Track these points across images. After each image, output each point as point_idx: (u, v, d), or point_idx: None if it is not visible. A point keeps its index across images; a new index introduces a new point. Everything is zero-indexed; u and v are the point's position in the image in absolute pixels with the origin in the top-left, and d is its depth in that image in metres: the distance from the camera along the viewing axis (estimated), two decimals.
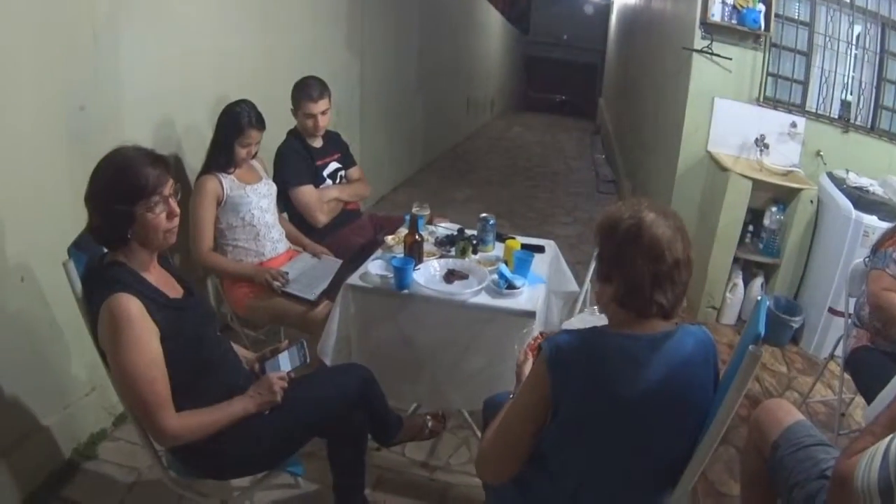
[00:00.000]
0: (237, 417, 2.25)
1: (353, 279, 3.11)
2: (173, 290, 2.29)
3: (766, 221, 4.96)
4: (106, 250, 2.19)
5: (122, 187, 2.05)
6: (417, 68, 8.59)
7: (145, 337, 2.04)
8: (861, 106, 5.18)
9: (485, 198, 8.36)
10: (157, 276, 2.24)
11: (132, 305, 2.02)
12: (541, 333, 2.47)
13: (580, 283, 3.75)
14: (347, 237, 4.07)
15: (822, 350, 4.62)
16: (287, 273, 3.42)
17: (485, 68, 13.66)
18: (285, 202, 3.91)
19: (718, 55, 5.05)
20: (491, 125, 14.20)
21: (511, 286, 3.03)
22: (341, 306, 3.07)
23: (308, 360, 2.59)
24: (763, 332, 1.83)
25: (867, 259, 3.36)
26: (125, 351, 2.01)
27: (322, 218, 3.97)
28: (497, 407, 2.36)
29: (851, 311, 3.51)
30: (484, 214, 3.54)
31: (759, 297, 2.18)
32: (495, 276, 3.11)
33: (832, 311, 4.50)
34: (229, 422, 2.23)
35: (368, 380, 2.69)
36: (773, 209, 4.89)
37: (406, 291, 3.01)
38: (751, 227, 5.10)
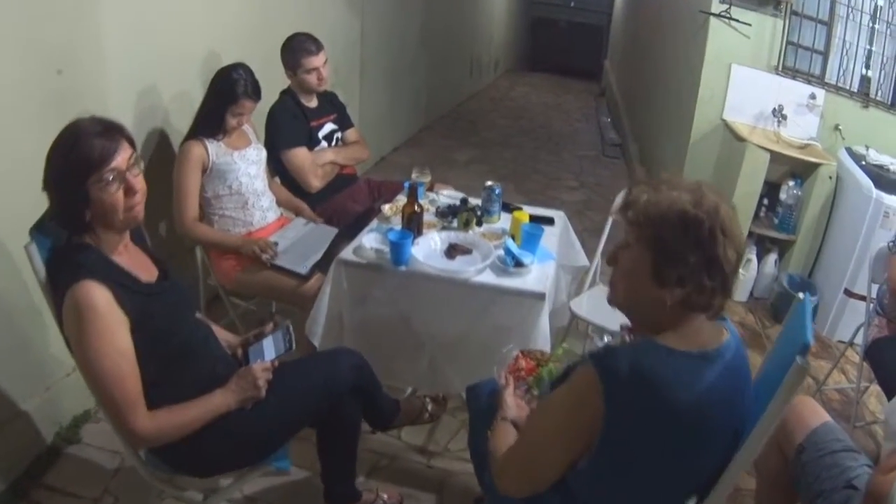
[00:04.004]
0: (217, 414, 2.07)
1: (346, 254, 2.91)
2: (147, 272, 2.09)
3: (783, 196, 4.81)
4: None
5: (70, 163, 1.82)
6: (420, 26, 8.33)
7: (112, 329, 1.84)
8: (882, 81, 5.00)
9: (488, 160, 8.15)
10: (128, 258, 2.03)
11: (98, 294, 1.81)
12: (521, 352, 2.26)
13: (589, 256, 3.58)
14: (343, 204, 3.88)
15: (836, 332, 4.48)
16: (276, 244, 3.23)
17: (489, 27, 13.39)
18: (278, 165, 3.70)
19: (737, 20, 4.87)
20: (495, 85, 13.92)
21: (519, 263, 2.83)
22: (332, 283, 2.87)
23: (293, 347, 2.39)
24: (810, 342, 1.66)
25: (891, 243, 3.24)
26: (90, 345, 1.81)
27: (316, 182, 3.77)
28: (482, 396, 2.29)
29: (874, 296, 3.38)
30: (489, 182, 3.34)
31: (800, 297, 1.98)
32: (501, 252, 2.91)
33: (848, 292, 4.32)
34: (208, 419, 2.05)
35: (360, 366, 2.50)
36: (791, 183, 4.74)
37: (403, 268, 2.81)
38: (766, 201, 4.94)
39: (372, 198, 3.99)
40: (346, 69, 5.91)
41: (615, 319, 3.22)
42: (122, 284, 1.89)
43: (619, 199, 3.57)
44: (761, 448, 1.66)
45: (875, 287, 3.39)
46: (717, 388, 1.55)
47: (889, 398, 2.94)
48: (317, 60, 3.66)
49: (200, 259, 3.45)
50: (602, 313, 3.24)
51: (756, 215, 4.91)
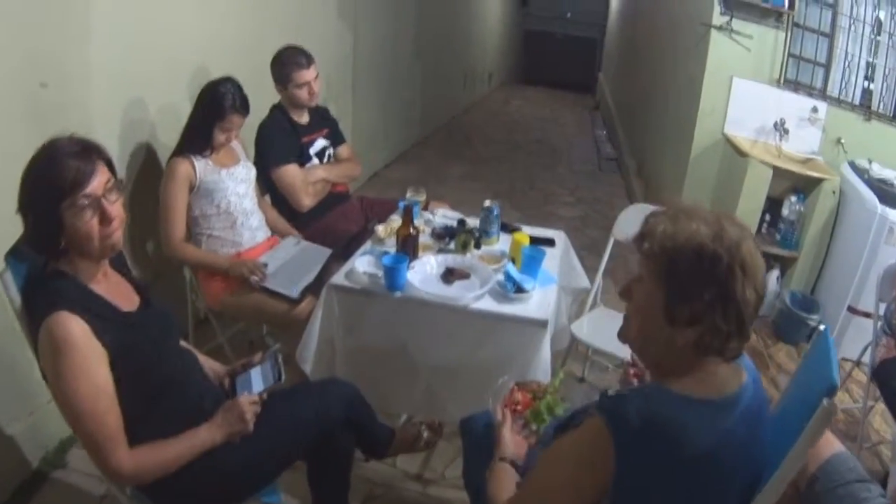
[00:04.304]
0: (202, 450, 1.97)
1: (338, 278, 2.80)
2: (127, 300, 1.99)
3: (785, 212, 4.72)
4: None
5: (43, 185, 1.71)
6: (414, 39, 8.26)
7: (90, 363, 1.73)
8: (885, 93, 4.93)
9: (483, 175, 8.07)
10: (107, 286, 1.93)
11: (74, 327, 1.71)
12: (516, 385, 2.15)
13: (589, 275, 3.50)
14: (334, 223, 3.77)
15: (840, 350, 4.28)
16: (266, 265, 3.13)
17: (483, 40, 13.36)
18: (268, 184, 3.60)
19: (739, 32, 4.80)
20: (489, 98, 13.88)
21: (520, 289, 2.72)
22: (323, 308, 2.76)
23: (283, 379, 2.27)
24: (837, 383, 1.57)
25: None
26: (67, 381, 1.71)
27: (307, 201, 3.66)
28: (477, 429, 2.21)
29: (881, 314, 3.31)
30: (487, 202, 3.23)
31: (821, 328, 1.92)
32: (501, 277, 2.81)
33: (852, 309, 4.26)
34: (193, 456, 1.94)
35: (352, 398, 2.42)
36: (793, 199, 4.66)
37: (398, 294, 2.70)
38: (767, 217, 4.86)
39: (365, 217, 3.88)
40: (338, 83, 5.84)
41: (617, 343, 3.18)
42: (99, 315, 1.79)
43: (621, 215, 3.53)
44: (781, 493, 1.57)
45: (882, 306, 3.31)
46: (735, 435, 1.46)
47: None
48: (308, 74, 3.57)
49: (188, 280, 3.35)
50: (604, 336, 3.17)
51: (758, 231, 4.83)
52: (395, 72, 7.70)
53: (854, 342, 3.69)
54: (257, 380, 2.25)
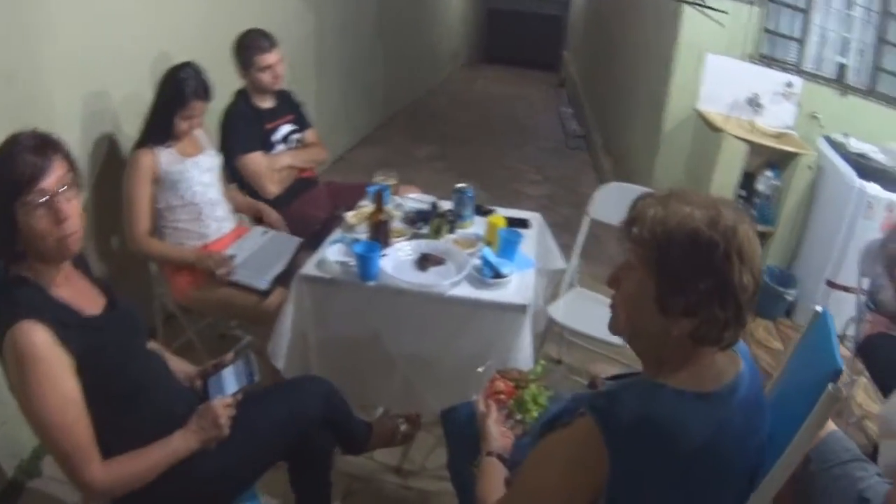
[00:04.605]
0: (178, 458, 1.89)
1: (308, 268, 2.70)
2: (92, 303, 1.89)
3: (761, 186, 4.68)
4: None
5: None
6: (376, 18, 8.13)
7: (55, 373, 1.65)
8: (861, 68, 4.94)
9: (450, 155, 7.97)
10: (70, 290, 1.83)
11: (38, 336, 1.63)
12: (497, 373, 2.08)
13: (562, 254, 3.46)
14: (302, 210, 3.68)
15: None
16: (233, 257, 3.03)
17: (447, 19, 13.22)
18: (233, 172, 3.49)
19: (712, 8, 4.73)
20: (453, 78, 13.71)
21: (498, 274, 2.65)
22: (295, 301, 2.66)
23: (257, 378, 2.17)
24: (842, 367, 1.54)
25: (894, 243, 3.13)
26: (33, 393, 1.64)
27: (273, 188, 3.56)
28: (459, 420, 2.15)
29: (865, 289, 3.30)
30: (460, 184, 3.15)
31: (820, 310, 1.92)
32: (478, 262, 2.73)
33: (831, 284, 4.21)
34: (168, 465, 1.87)
35: (328, 396, 2.35)
36: (769, 174, 4.63)
37: (372, 283, 2.61)
38: (743, 192, 4.79)
39: (333, 202, 3.79)
40: (300, 65, 5.72)
41: (594, 324, 3.11)
42: (63, 322, 1.70)
43: (597, 194, 3.46)
44: (785, 480, 1.55)
45: (865, 281, 3.30)
46: (732, 426, 1.42)
47: (884, 394, 2.88)
48: (271, 58, 3.47)
49: (155, 275, 3.26)
50: (581, 318, 3.16)
51: None
52: (358, 53, 7.60)
53: (834, 316, 3.64)
54: (230, 380, 2.16)
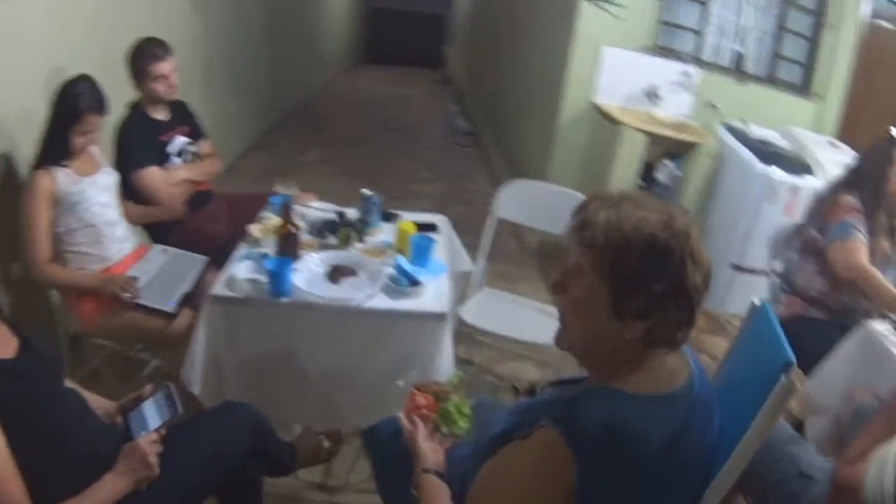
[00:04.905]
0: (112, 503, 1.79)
1: (219, 288, 2.57)
2: (4, 345, 1.77)
3: (660, 176, 4.79)
4: None
5: None
6: (264, 22, 8.01)
7: None
8: (760, 56, 5.14)
9: (340, 158, 7.89)
10: None
11: None
12: (415, 388, 1.99)
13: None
14: (201, 224, 3.54)
15: (726, 306, 4.48)
16: (137, 279, 2.89)
17: (332, 21, 13.18)
18: (129, 189, 3.31)
19: (609, 2, 4.79)
20: (338, 79, 13.63)
21: (414, 282, 2.60)
22: (206, 323, 2.53)
23: (181, 411, 2.07)
24: (793, 359, 1.58)
25: (812, 228, 3.26)
26: None
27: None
28: (382, 438, 2.12)
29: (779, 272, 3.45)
30: (366, 191, 3.12)
31: (756, 302, 2.01)
32: (391, 271, 2.67)
33: (737, 267, 4.39)
34: None
35: (255, 424, 2.27)
36: (669, 163, 4.72)
37: (285, 299, 2.51)
38: (642, 183, 4.87)
39: (232, 215, 3.67)
40: (189, 73, 5.50)
41: (505, 323, 3.15)
42: None
43: (503, 192, 3.44)
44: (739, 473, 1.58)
45: (777, 264, 3.44)
46: (690, 427, 1.44)
47: (806, 372, 2.93)
48: (165, 66, 3.34)
49: (57, 302, 3.13)
50: (493, 318, 3.16)
51: None
52: (247, 58, 7.47)
53: (740, 298, 3.73)
54: (152, 415, 2.05)
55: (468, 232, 3.45)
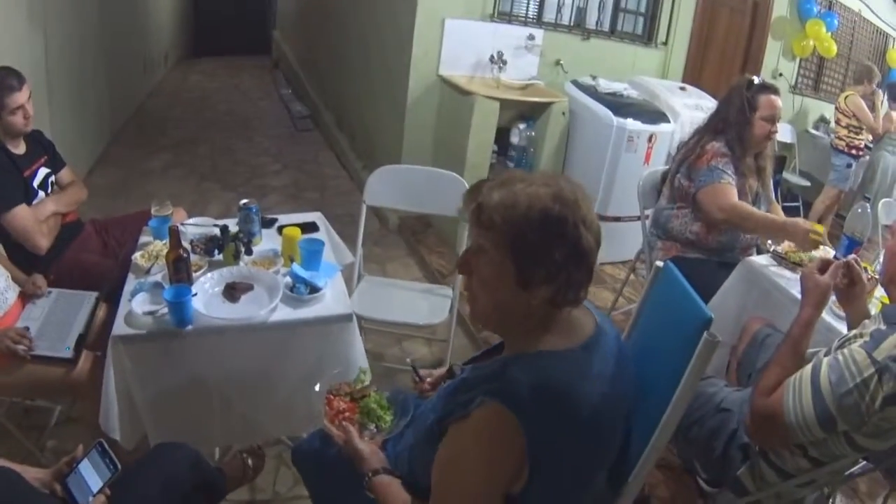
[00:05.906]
0: None
1: (119, 327, 2.47)
2: None
3: (515, 139, 4.91)
4: None
5: None
6: (99, 33, 7.69)
7: None
8: (601, 13, 5.29)
9: (185, 161, 7.67)
10: None
11: None
12: (329, 394, 2.03)
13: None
14: (76, 257, 3.39)
15: (598, 256, 4.60)
16: (27, 329, 2.73)
17: (159, 21, 12.76)
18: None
19: None
20: (167, 79, 13.15)
21: (314, 289, 2.62)
22: (114, 365, 2.43)
23: (119, 467, 2.01)
24: (711, 315, 1.70)
25: (681, 176, 3.38)
26: None
27: (44, 242, 3.24)
28: (310, 455, 2.16)
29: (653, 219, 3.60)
30: (245, 201, 3.01)
31: (662, 264, 2.16)
32: (288, 279, 2.67)
33: (602, 217, 4.43)
34: None
35: (193, 457, 2.26)
36: (521, 126, 4.85)
37: (189, 328, 2.46)
38: (495, 147, 4.98)
39: (102, 241, 3.57)
40: (36, 97, 5.25)
41: (392, 309, 3.27)
42: None
43: (372, 179, 3.51)
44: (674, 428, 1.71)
45: (649, 212, 3.61)
46: (610, 372, 1.56)
47: None
48: (21, 97, 3.14)
49: None
50: (378, 306, 3.28)
51: (491, 165, 4.95)
52: (85, 71, 7.18)
53: (610, 247, 3.88)
54: (91, 476, 1.98)
55: (331, 218, 3.40)
